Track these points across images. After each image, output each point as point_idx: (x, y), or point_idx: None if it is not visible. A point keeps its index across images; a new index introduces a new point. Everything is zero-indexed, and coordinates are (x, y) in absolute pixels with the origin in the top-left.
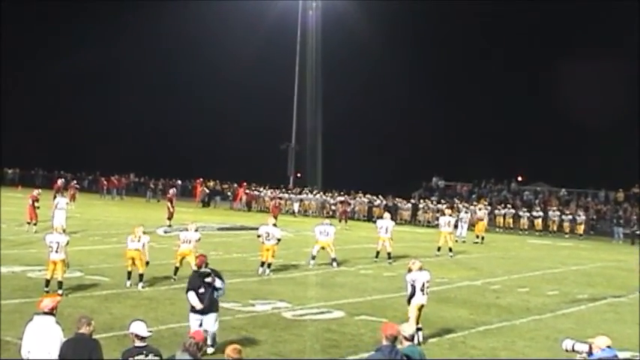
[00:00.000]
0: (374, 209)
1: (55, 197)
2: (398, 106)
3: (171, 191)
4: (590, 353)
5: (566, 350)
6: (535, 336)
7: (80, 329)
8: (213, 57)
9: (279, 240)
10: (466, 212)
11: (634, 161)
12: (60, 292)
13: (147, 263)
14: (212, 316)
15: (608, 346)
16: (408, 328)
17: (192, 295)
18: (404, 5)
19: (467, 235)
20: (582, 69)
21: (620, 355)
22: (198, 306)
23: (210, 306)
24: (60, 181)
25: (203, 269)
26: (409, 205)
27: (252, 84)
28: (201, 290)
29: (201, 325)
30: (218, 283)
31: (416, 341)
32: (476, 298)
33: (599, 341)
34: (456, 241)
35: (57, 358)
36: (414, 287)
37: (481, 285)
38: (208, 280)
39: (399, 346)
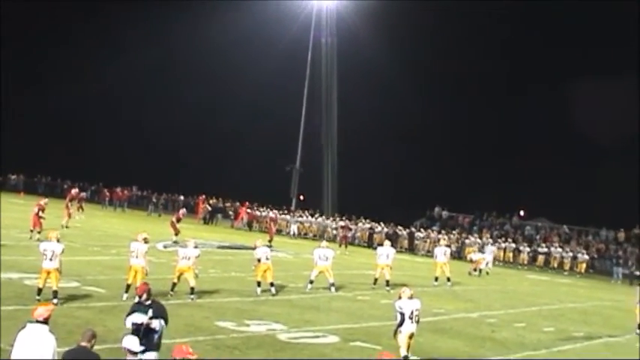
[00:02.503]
0: (375, 236)
1: (67, 206)
2: (405, 134)
3: (182, 211)
4: None
5: None
6: None
7: (83, 342)
8: (224, 76)
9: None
10: (492, 245)
11: (636, 201)
12: (55, 301)
13: (145, 273)
14: (151, 355)
15: None
16: None
17: (129, 322)
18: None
19: (490, 267)
20: (590, 104)
21: None
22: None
23: (146, 344)
24: (74, 191)
25: (145, 301)
26: (409, 233)
27: (262, 105)
28: (138, 321)
29: None
30: (155, 324)
31: None
32: (471, 330)
33: None
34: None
35: None
36: (402, 315)
37: (477, 318)
38: (142, 319)
39: None
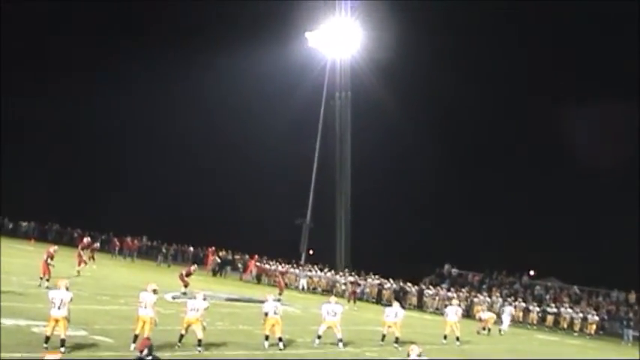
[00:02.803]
0: (383, 292)
1: (79, 254)
2: (417, 192)
3: (193, 267)
4: None
5: None
6: None
7: None
8: (237, 129)
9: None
10: (509, 305)
11: None
12: (62, 349)
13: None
14: None
15: None
16: None
17: None
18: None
19: (508, 328)
20: (599, 163)
21: None
22: None
23: None
24: (86, 240)
25: (146, 356)
26: (418, 290)
27: (274, 159)
28: None
29: None
30: None
31: None
32: None
33: None
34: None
35: None
36: None
37: None
38: None
39: None
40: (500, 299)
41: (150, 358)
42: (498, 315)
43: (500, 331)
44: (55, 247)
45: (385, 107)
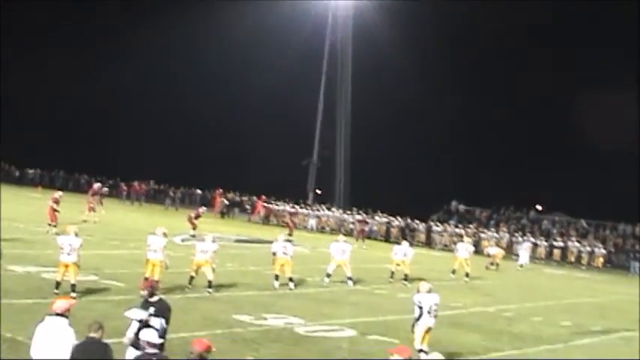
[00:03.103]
0: (391, 229)
1: (90, 202)
2: (424, 128)
3: (201, 209)
4: None
5: None
6: None
7: (91, 333)
8: (242, 72)
9: (290, 256)
10: (526, 241)
11: None
12: (73, 294)
13: (165, 267)
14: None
15: None
16: (435, 356)
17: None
18: (434, 35)
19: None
20: (608, 99)
21: None
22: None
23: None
24: (96, 185)
25: (149, 297)
26: (426, 227)
27: (279, 99)
28: (137, 317)
29: None
30: (154, 322)
31: None
32: (488, 324)
33: None
34: (521, 266)
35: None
36: (421, 309)
37: (494, 312)
38: (141, 315)
39: None
40: (507, 234)
41: (155, 299)
42: (506, 250)
43: (521, 266)
44: (60, 193)
45: (389, 46)
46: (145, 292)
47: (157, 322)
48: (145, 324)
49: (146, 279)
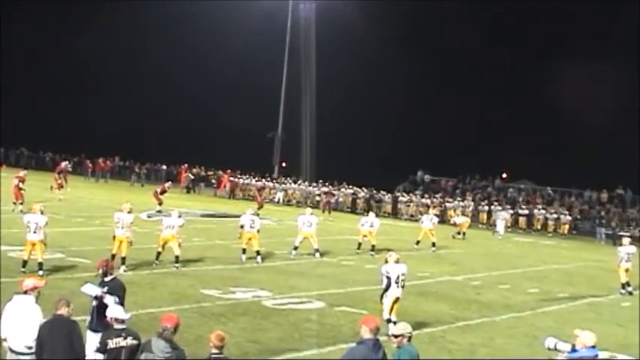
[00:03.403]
0: (357, 201)
1: (56, 178)
2: (387, 98)
3: (167, 184)
4: (573, 349)
5: (548, 349)
6: (514, 333)
7: (58, 310)
8: (203, 45)
9: (258, 230)
10: (502, 210)
11: (618, 162)
12: (40, 273)
13: (130, 243)
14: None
15: (593, 345)
16: (404, 327)
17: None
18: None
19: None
20: (574, 67)
21: (600, 355)
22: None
23: (97, 324)
24: (64, 164)
25: (103, 276)
26: (392, 197)
27: (243, 72)
28: (91, 293)
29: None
30: (108, 300)
31: (390, 333)
32: (456, 293)
33: (585, 337)
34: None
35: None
36: (389, 279)
37: (462, 280)
38: (95, 291)
39: (402, 344)
40: (472, 203)
41: (109, 278)
42: (472, 219)
43: (497, 235)
44: (25, 172)
45: (351, 17)
46: (99, 272)
47: (111, 300)
48: (99, 301)
49: (113, 256)
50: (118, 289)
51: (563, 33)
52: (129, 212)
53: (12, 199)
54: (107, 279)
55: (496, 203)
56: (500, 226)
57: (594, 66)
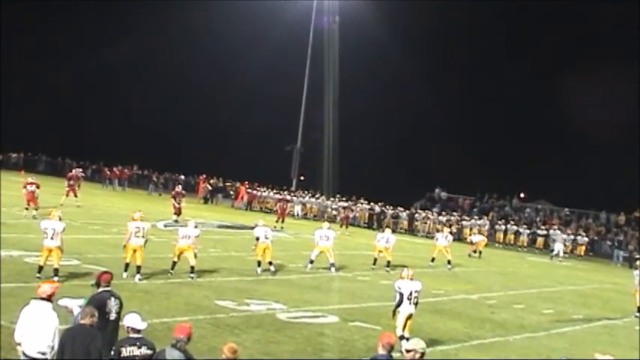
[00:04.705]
0: (375, 216)
1: (68, 185)
2: (407, 115)
3: (178, 188)
4: None
5: None
6: (528, 353)
7: (83, 320)
8: (225, 56)
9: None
10: (561, 232)
11: (636, 184)
12: (56, 279)
13: (145, 241)
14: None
15: None
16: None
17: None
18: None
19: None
20: (591, 86)
21: None
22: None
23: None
24: (74, 171)
25: (96, 288)
26: (409, 214)
27: (263, 85)
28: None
29: None
30: (70, 303)
31: (403, 349)
32: (471, 311)
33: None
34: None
35: (51, 344)
36: (401, 295)
37: (477, 299)
38: (70, 304)
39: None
40: (488, 222)
41: (99, 290)
42: (488, 238)
43: (556, 259)
44: (33, 178)
45: (375, 31)
46: (96, 285)
47: (69, 302)
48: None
49: (127, 264)
50: (96, 302)
51: (587, 56)
52: (141, 220)
53: (24, 204)
54: (98, 290)
55: (525, 226)
56: (559, 247)
57: (615, 90)
